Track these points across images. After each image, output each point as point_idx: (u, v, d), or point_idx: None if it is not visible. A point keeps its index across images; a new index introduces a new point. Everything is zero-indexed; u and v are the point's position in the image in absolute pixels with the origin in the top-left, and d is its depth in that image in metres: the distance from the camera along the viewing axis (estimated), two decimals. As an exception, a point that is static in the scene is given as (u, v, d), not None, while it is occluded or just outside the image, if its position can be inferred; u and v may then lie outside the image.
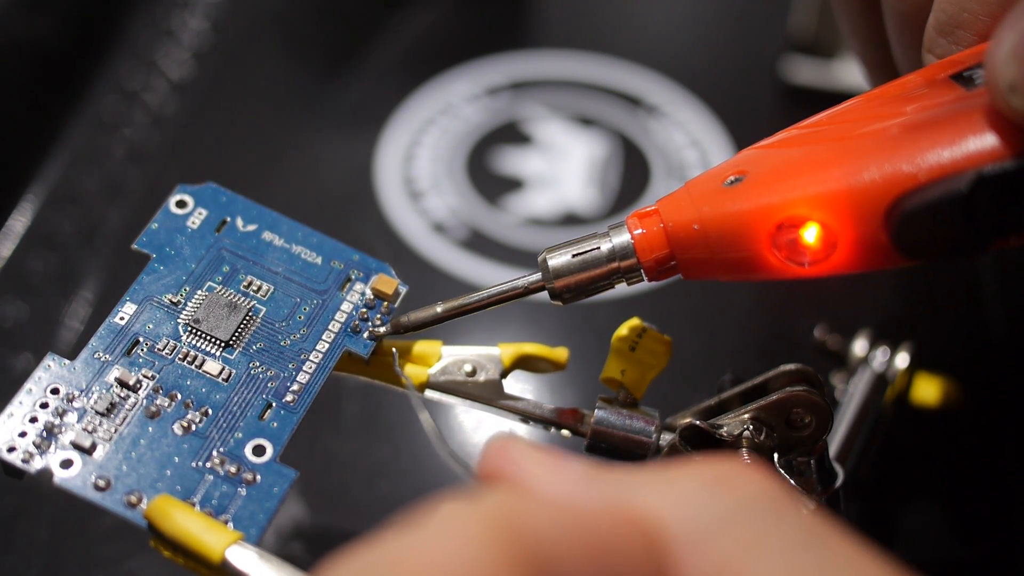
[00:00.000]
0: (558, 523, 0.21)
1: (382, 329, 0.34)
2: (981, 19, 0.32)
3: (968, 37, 0.33)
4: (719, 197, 0.31)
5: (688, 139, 0.58)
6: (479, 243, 0.53)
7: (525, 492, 0.23)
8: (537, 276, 0.33)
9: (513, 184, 0.56)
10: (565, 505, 0.22)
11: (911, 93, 0.32)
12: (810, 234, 0.31)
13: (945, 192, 0.28)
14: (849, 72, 0.57)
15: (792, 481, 0.33)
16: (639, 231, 0.32)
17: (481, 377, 0.35)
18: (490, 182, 0.56)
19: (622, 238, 0.32)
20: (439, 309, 0.34)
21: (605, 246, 0.32)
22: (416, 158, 0.57)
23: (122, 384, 0.31)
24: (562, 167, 0.57)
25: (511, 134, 0.58)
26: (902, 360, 0.43)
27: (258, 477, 0.30)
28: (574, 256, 0.33)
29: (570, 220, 0.55)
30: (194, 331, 0.32)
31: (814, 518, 0.23)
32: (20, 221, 0.53)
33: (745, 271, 0.32)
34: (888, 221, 0.30)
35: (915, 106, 0.31)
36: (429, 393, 0.35)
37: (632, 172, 0.57)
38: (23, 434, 0.30)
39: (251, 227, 0.35)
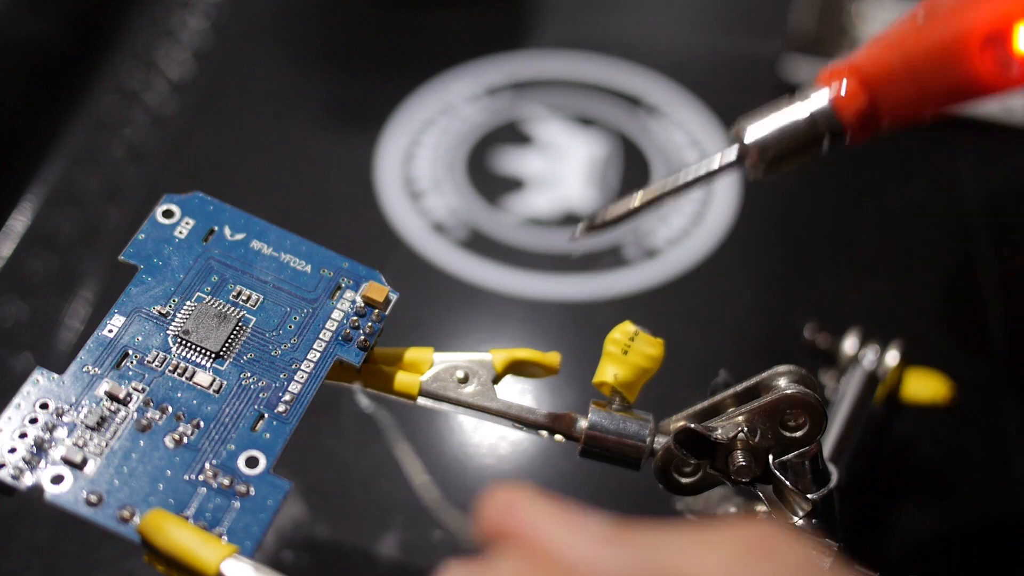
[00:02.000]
0: None
1: (580, 230, 0.33)
2: None
3: None
4: (918, 31, 0.31)
5: (688, 139, 0.58)
6: (479, 243, 0.53)
7: (543, 557, 0.21)
8: (733, 150, 0.32)
9: (513, 184, 0.56)
10: (593, 573, 0.20)
11: None
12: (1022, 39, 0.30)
13: None
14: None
15: (787, 482, 0.33)
16: (837, 85, 0.31)
17: (473, 383, 0.35)
18: (490, 182, 0.56)
19: (820, 96, 0.31)
20: (637, 200, 0.33)
21: (804, 109, 0.32)
22: (416, 158, 0.57)
23: (112, 398, 0.31)
24: (562, 167, 0.57)
25: (511, 134, 0.58)
26: (892, 358, 0.43)
27: (252, 489, 0.30)
28: (775, 124, 0.32)
29: (570, 220, 0.54)
30: (184, 342, 0.32)
31: None
32: (20, 221, 0.53)
33: (955, 95, 0.32)
34: None
35: None
36: (422, 400, 0.35)
37: (632, 172, 0.57)
38: (13, 450, 0.29)
39: (239, 236, 0.35)
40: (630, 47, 0.62)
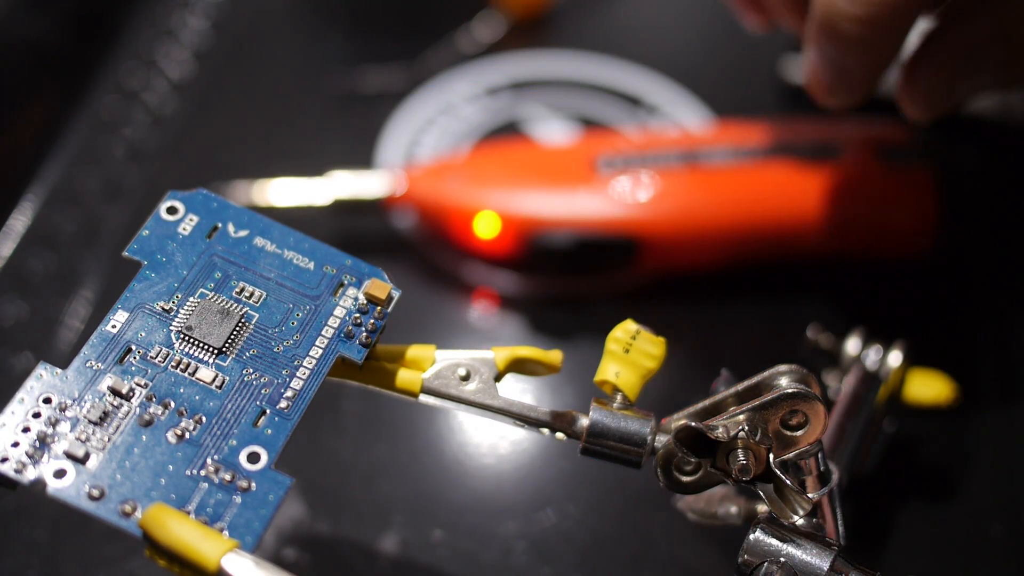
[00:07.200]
0: None
1: None
2: None
3: None
4: None
5: (688, 139, 0.58)
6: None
7: None
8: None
9: (513, 184, 0.56)
10: None
11: None
12: None
13: None
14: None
15: (788, 481, 0.33)
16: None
17: (475, 381, 0.35)
18: (490, 182, 0.56)
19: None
20: None
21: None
22: (416, 158, 0.57)
23: (115, 392, 0.31)
24: (562, 167, 0.57)
25: (511, 134, 0.58)
26: (895, 358, 0.43)
27: (253, 484, 0.30)
28: None
29: (570, 220, 0.54)
30: (187, 338, 0.32)
31: None
32: (20, 221, 0.53)
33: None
34: None
35: None
36: (424, 398, 0.35)
37: (632, 172, 0.56)
38: (15, 444, 0.29)
39: (242, 233, 0.35)
40: (630, 47, 0.62)
